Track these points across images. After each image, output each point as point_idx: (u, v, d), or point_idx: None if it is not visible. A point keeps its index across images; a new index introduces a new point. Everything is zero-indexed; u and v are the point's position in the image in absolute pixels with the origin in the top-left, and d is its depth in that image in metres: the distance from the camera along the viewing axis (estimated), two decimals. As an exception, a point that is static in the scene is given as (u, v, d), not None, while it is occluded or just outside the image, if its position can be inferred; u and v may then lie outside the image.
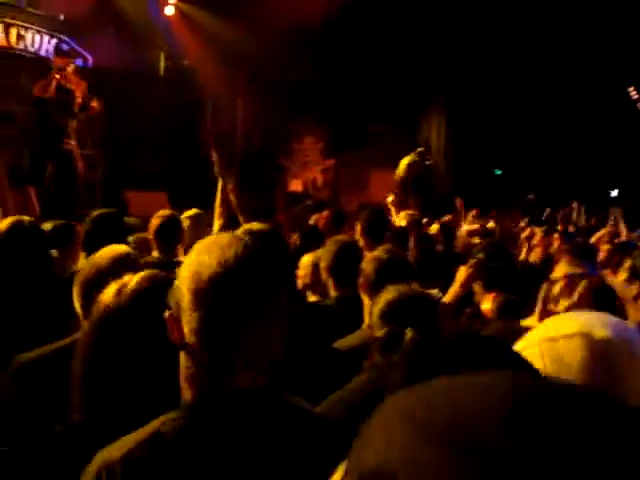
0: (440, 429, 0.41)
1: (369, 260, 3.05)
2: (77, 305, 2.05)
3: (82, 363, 1.52)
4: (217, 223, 4.13)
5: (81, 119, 9.00)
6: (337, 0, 10.29)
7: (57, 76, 8.23)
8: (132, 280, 1.60)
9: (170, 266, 3.01)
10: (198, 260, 1.20)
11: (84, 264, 2.17)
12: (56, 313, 2.42)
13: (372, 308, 2.16)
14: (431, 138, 12.61)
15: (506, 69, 11.11)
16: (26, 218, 2.91)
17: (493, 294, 3.00)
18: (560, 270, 3.23)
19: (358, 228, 4.49)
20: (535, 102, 11.31)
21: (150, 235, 3.87)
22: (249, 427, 1.18)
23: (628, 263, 3.83)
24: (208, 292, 1.16)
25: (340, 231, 4.85)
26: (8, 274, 2.69)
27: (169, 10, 11.84)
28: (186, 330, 1.18)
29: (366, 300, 2.68)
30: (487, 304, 2.94)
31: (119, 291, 1.58)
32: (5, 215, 3.99)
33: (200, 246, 1.25)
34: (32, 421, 1.82)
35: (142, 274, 1.64)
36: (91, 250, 2.61)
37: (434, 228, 5.89)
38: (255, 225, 2.81)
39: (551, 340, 1.08)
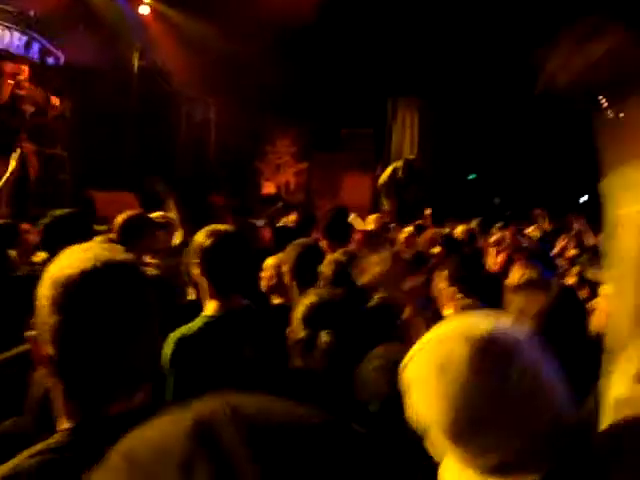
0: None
1: (328, 262, 3.04)
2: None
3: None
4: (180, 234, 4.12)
5: (39, 121, 8.96)
6: (312, 2, 10.28)
7: (10, 82, 8.20)
8: None
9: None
10: (60, 266, 1.13)
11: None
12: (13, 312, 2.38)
13: (294, 312, 2.15)
14: (404, 142, 12.65)
15: (478, 72, 11.20)
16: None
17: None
18: (514, 274, 3.23)
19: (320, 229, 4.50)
20: (508, 104, 11.38)
21: (114, 234, 3.80)
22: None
23: (576, 269, 3.87)
24: (68, 299, 1.09)
25: (308, 234, 4.84)
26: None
27: (144, 9, 11.78)
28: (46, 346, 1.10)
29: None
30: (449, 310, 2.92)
31: None
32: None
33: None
34: None
35: None
36: (53, 249, 2.57)
37: (404, 232, 5.91)
38: (221, 225, 2.76)
39: (438, 341, 1.10)
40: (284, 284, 3.31)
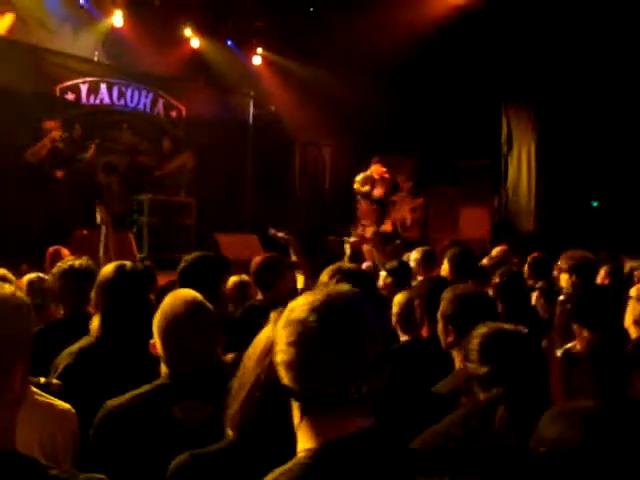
0: None
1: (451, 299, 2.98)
2: (159, 348, 2.10)
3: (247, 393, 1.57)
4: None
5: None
6: (416, 35, 10.32)
7: (47, 142, 8.81)
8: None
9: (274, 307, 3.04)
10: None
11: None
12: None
13: (465, 345, 2.10)
14: (521, 172, 12.31)
15: (599, 96, 10.73)
16: (128, 263, 2.97)
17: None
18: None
19: (445, 266, 4.43)
20: (634, 122, 10.75)
21: (250, 276, 3.87)
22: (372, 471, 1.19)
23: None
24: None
25: (432, 270, 4.78)
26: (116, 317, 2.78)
27: (256, 60, 12.33)
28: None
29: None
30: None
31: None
32: (106, 257, 4.15)
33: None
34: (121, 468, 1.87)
35: None
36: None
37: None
38: (346, 264, 2.79)
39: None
40: (411, 320, 3.28)
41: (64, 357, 2.71)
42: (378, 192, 9.98)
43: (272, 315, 2.55)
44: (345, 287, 1.31)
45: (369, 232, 10.05)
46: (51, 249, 5.48)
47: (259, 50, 12.31)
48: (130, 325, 2.70)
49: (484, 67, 10.78)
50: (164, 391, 2.05)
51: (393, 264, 4.91)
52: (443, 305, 2.68)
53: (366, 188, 9.95)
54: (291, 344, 1.20)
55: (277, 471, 1.19)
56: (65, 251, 5.43)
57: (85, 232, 8.06)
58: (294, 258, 4.88)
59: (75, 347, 2.74)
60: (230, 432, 1.59)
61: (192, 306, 2.16)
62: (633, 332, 3.12)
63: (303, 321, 1.19)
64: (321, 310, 1.20)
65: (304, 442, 1.22)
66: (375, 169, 10.09)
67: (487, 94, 11.15)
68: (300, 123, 12.18)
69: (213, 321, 2.15)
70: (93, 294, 2.86)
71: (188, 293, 2.26)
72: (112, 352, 2.68)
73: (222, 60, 11.75)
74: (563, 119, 11.28)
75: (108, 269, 2.81)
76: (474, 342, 2.07)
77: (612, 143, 10.85)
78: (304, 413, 1.22)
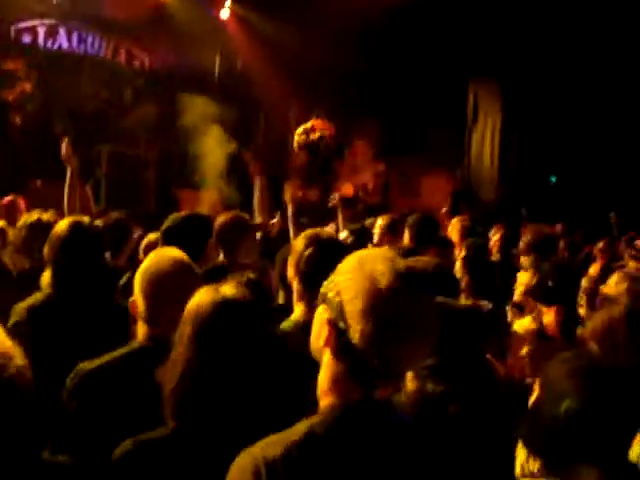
0: None
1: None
2: (141, 308, 2.03)
3: (183, 370, 1.54)
4: (258, 220, 4.08)
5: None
6: (389, 1, 10.15)
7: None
8: (227, 290, 1.61)
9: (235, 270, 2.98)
10: (369, 269, 1.26)
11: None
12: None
13: None
14: (485, 141, 12.36)
15: (564, 72, 10.77)
16: (85, 219, 2.87)
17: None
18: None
19: (406, 234, 4.41)
20: (599, 100, 10.83)
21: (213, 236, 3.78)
22: (393, 437, 1.27)
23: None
24: (384, 299, 1.23)
25: (396, 239, 4.75)
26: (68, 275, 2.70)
27: (224, 13, 11.99)
28: (353, 333, 1.23)
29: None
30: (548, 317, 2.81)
31: (215, 301, 1.58)
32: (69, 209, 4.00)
33: (359, 258, 1.32)
34: (96, 434, 1.81)
35: (237, 286, 1.65)
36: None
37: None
38: (322, 233, 2.71)
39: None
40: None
41: (15, 313, 2.64)
42: (316, 151, 9.19)
43: (232, 278, 2.48)
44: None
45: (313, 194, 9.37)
46: (6, 199, 5.31)
47: (228, 3, 11.96)
48: (82, 283, 2.62)
49: (454, 38, 10.69)
50: (144, 353, 1.98)
51: (356, 225, 4.92)
52: None
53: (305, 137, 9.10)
54: None
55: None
56: (21, 202, 5.27)
57: (39, 183, 7.83)
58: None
59: (25, 303, 2.67)
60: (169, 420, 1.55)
61: (178, 265, 2.09)
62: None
63: None
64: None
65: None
66: (317, 123, 9.37)
67: (455, 65, 11.07)
68: (266, 82, 11.94)
69: (199, 282, 2.06)
70: (45, 248, 2.76)
71: (174, 252, 2.18)
72: (63, 310, 2.61)
73: (189, 11, 11.38)
74: (528, 94, 11.32)
75: (63, 225, 2.72)
76: None
77: (575, 120, 10.96)
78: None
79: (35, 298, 2.70)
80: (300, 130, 9.23)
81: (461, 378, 1.88)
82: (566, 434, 1.34)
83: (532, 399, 1.52)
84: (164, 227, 3.25)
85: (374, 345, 1.22)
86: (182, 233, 3.13)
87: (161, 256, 2.12)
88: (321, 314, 1.31)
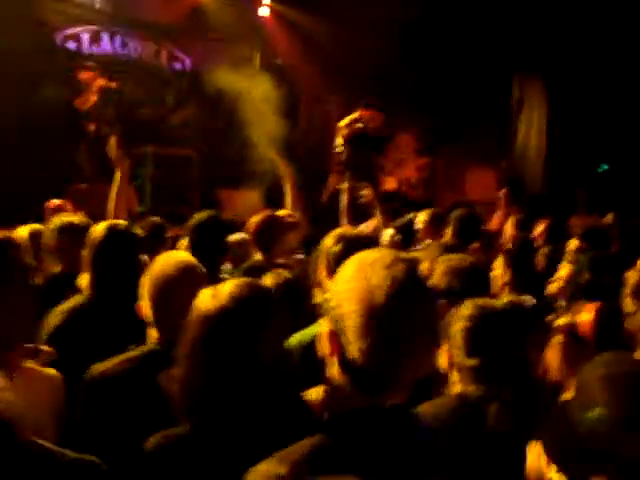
0: None
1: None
2: (149, 312, 2.03)
3: (190, 369, 1.54)
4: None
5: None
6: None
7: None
8: (227, 286, 1.60)
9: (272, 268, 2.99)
10: (366, 278, 1.20)
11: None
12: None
13: (447, 325, 1.99)
14: (531, 132, 12.11)
15: (613, 60, 10.46)
16: (121, 222, 2.91)
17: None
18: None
19: (449, 230, 4.32)
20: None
21: (249, 236, 3.83)
22: (397, 445, 1.22)
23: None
24: (383, 312, 1.17)
25: (439, 233, 4.67)
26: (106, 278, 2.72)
27: (263, 11, 12.01)
28: (354, 347, 1.19)
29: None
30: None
31: (215, 296, 1.58)
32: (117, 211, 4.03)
33: (359, 264, 1.25)
34: (107, 433, 1.81)
35: (239, 281, 1.64)
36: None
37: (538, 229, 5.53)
38: (349, 230, 2.69)
39: None
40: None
41: (55, 315, 2.66)
42: (372, 129, 8.74)
43: (268, 277, 2.47)
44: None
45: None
46: (53, 203, 5.36)
47: (266, 1, 11.98)
48: (120, 286, 2.63)
49: (498, 29, 10.52)
50: (152, 357, 1.99)
51: (402, 221, 4.80)
52: (432, 279, 2.60)
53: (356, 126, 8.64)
54: None
55: None
56: (68, 205, 5.34)
57: (84, 186, 7.97)
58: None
59: (65, 306, 2.70)
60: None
61: (184, 269, 2.08)
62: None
63: None
64: None
65: None
66: (364, 113, 8.93)
67: (500, 58, 10.90)
68: (307, 78, 11.92)
69: (206, 284, 2.08)
70: (84, 252, 2.79)
71: (180, 256, 2.19)
72: (102, 313, 2.63)
73: (227, 11, 11.43)
74: (573, 86, 11.06)
75: (99, 228, 2.74)
76: (459, 325, 1.93)
77: (619, 110, 10.67)
78: None
79: (75, 301, 2.73)
80: (346, 121, 8.94)
81: (503, 379, 1.83)
82: (591, 444, 1.25)
83: (560, 402, 1.44)
84: (188, 224, 3.36)
85: (373, 361, 1.18)
86: (200, 236, 3.21)
87: (167, 260, 2.12)
88: (324, 325, 1.27)
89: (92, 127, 8.61)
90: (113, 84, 8.81)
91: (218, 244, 2.97)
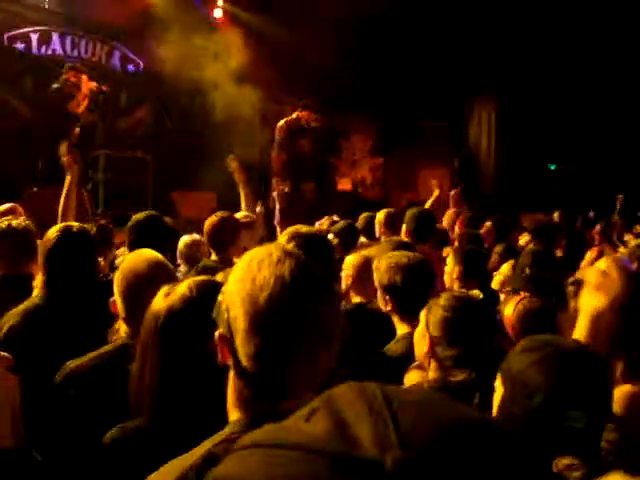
0: None
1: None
2: (120, 307, 2.10)
3: (144, 365, 1.57)
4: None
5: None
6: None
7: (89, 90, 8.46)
8: (182, 285, 1.64)
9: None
10: (251, 279, 1.12)
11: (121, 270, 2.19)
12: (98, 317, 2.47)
13: (427, 317, 2.06)
14: (481, 134, 12.38)
15: (560, 60, 10.77)
16: (75, 224, 2.92)
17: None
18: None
19: (404, 229, 4.42)
20: (592, 90, 10.84)
21: (204, 236, 3.87)
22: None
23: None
24: (267, 316, 1.09)
25: (395, 232, 4.76)
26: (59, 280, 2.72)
27: (217, 13, 11.97)
28: (242, 353, 1.12)
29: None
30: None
31: (167, 295, 1.62)
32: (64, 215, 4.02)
33: (248, 262, 1.16)
34: (83, 428, 1.84)
35: (193, 279, 1.67)
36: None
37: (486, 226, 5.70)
38: (303, 228, 2.73)
39: None
40: (364, 282, 3.24)
41: (10, 317, 2.66)
42: (305, 144, 8.26)
43: (220, 275, 2.52)
44: None
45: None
46: (5, 207, 5.28)
47: (220, 2, 11.94)
48: (73, 287, 2.65)
49: (449, 32, 10.71)
50: (125, 351, 2.02)
51: (340, 225, 4.86)
52: (377, 275, 2.68)
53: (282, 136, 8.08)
54: None
55: None
56: (20, 209, 5.26)
57: (35, 189, 7.84)
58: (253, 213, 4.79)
59: (19, 308, 2.70)
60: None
61: (154, 266, 2.14)
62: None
63: None
64: None
65: None
66: (304, 115, 8.31)
67: (451, 63, 11.10)
68: (261, 80, 11.93)
69: (174, 282, 2.12)
70: (39, 255, 2.80)
71: (150, 253, 2.24)
72: (56, 314, 2.63)
73: (180, 12, 11.35)
74: (523, 86, 11.33)
75: (53, 230, 2.75)
76: (438, 314, 2.00)
77: (569, 111, 10.97)
78: None
79: (30, 302, 2.73)
80: (282, 123, 8.36)
81: (483, 367, 1.88)
82: (542, 428, 1.30)
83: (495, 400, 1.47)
84: (128, 225, 3.45)
85: (260, 367, 1.11)
86: (138, 235, 3.32)
87: (137, 257, 2.20)
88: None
89: (77, 130, 8.43)
90: (104, 87, 8.64)
91: (157, 243, 2.97)
